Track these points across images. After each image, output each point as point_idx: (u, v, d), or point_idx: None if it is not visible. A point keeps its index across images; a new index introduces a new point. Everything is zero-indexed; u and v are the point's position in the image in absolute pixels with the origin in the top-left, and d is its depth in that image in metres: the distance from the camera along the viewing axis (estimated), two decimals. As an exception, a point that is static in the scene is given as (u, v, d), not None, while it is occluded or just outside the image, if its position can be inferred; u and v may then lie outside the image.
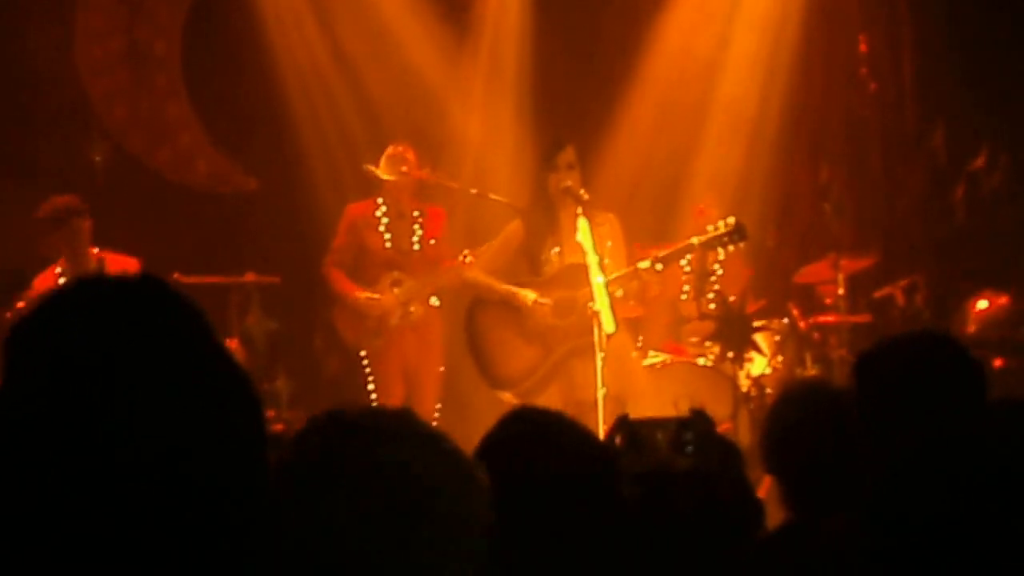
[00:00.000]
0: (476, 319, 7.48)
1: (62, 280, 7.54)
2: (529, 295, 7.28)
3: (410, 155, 7.98)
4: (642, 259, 7.21)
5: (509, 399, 7.14)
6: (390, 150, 8.01)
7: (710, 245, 7.26)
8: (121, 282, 1.32)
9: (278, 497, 1.53)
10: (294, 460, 1.59)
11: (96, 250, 7.69)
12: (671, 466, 3.04)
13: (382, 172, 7.93)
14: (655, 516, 2.77)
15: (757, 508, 3.30)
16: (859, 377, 3.15)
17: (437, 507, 1.52)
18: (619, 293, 7.19)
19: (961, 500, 1.86)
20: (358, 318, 7.94)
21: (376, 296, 7.90)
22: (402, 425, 1.58)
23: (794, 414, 3.36)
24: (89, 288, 1.30)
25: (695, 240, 7.22)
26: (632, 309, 7.92)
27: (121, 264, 7.64)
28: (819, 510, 3.19)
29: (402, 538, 1.49)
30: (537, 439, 2.56)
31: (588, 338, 6.83)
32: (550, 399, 6.97)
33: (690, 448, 3.35)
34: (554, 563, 2.37)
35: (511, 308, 7.37)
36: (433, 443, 1.57)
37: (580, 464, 2.55)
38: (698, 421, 3.53)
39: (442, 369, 8.08)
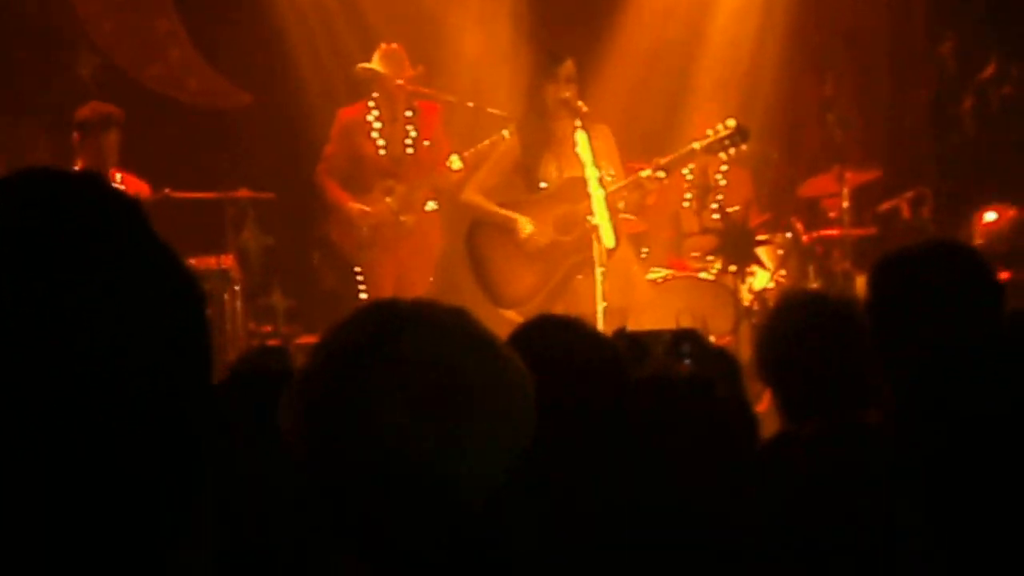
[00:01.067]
0: (477, 241, 7.38)
1: None
2: (525, 227, 7.15)
3: (404, 55, 7.88)
4: (643, 169, 7.10)
5: (513, 317, 7.07)
6: (384, 47, 7.89)
7: (711, 149, 7.14)
8: (53, 174, 1.25)
9: (319, 380, 1.52)
10: (339, 345, 1.56)
11: (114, 170, 7.64)
12: (670, 373, 3.03)
13: (378, 65, 7.80)
14: (654, 423, 2.74)
15: (752, 420, 3.29)
16: (874, 284, 3.12)
17: (481, 401, 1.51)
18: (620, 205, 7.11)
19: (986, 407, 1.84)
20: (352, 229, 7.85)
21: (367, 209, 7.80)
22: (454, 320, 1.57)
23: (790, 324, 3.33)
24: (18, 179, 1.23)
25: (696, 145, 7.10)
26: (634, 224, 7.82)
27: (135, 187, 7.63)
28: (811, 419, 3.16)
29: (442, 427, 1.48)
30: (557, 342, 2.54)
31: (590, 253, 6.76)
32: (555, 316, 6.87)
33: (687, 360, 3.33)
34: (562, 460, 2.35)
35: (511, 228, 7.26)
36: (483, 341, 1.56)
37: (597, 366, 2.54)
38: (694, 334, 3.52)
39: (431, 279, 8.01)
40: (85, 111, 7.72)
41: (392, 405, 1.48)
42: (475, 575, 1.52)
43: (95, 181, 1.24)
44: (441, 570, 1.50)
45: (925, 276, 3.01)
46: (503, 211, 7.29)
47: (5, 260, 1.15)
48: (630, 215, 7.54)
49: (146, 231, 1.22)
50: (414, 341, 1.52)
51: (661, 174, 7.03)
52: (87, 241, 1.18)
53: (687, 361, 3.37)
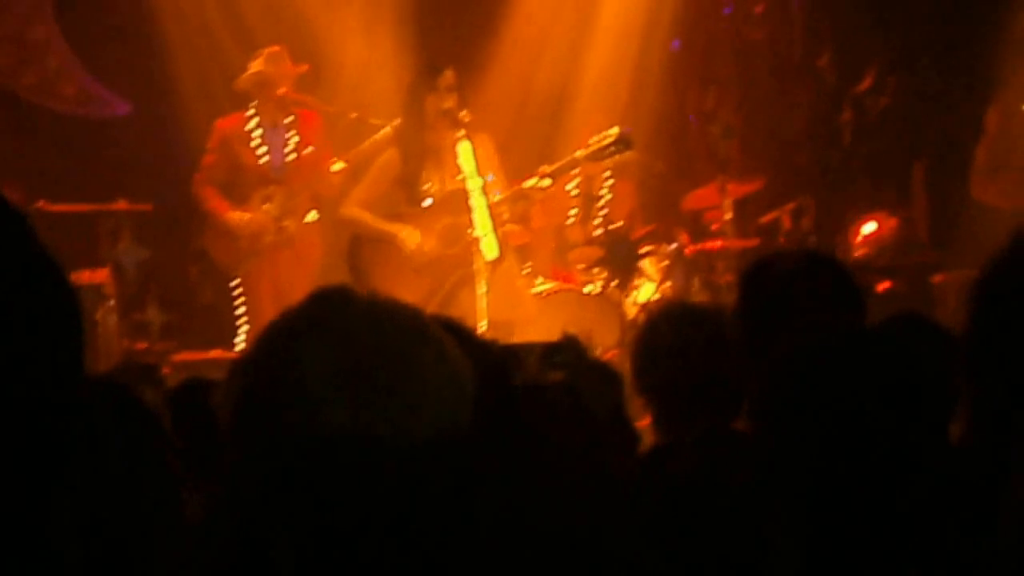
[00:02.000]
0: (358, 256, 7.26)
1: None
2: (410, 237, 7.05)
3: (286, 56, 7.81)
4: (527, 179, 7.05)
5: None
6: (266, 50, 7.81)
7: (596, 157, 7.10)
8: None
9: (250, 356, 1.55)
10: (276, 323, 1.58)
11: None
12: (541, 380, 3.03)
13: (260, 67, 7.71)
14: (526, 430, 2.71)
15: (630, 433, 3.29)
16: (741, 293, 3.16)
17: (405, 380, 1.51)
18: (505, 216, 7.06)
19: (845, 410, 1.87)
20: (230, 239, 7.73)
21: (247, 215, 7.69)
22: (396, 308, 1.58)
23: (662, 337, 3.35)
24: None
25: (580, 153, 7.08)
26: (518, 236, 7.79)
27: None
28: (687, 430, 3.17)
29: (358, 399, 1.49)
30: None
31: (475, 266, 6.72)
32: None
33: (560, 371, 3.32)
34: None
35: (394, 241, 7.17)
36: (418, 329, 1.57)
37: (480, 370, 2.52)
38: (570, 345, 3.51)
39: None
40: None
41: (313, 376, 1.49)
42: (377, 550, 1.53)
43: None
44: (353, 543, 1.51)
45: (789, 285, 3.06)
46: (385, 224, 7.19)
47: None
48: (515, 225, 7.49)
49: (24, 235, 1.22)
50: (346, 319, 1.54)
51: (546, 182, 7.00)
52: None
53: (559, 370, 3.37)
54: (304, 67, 7.98)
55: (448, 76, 7.06)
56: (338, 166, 7.51)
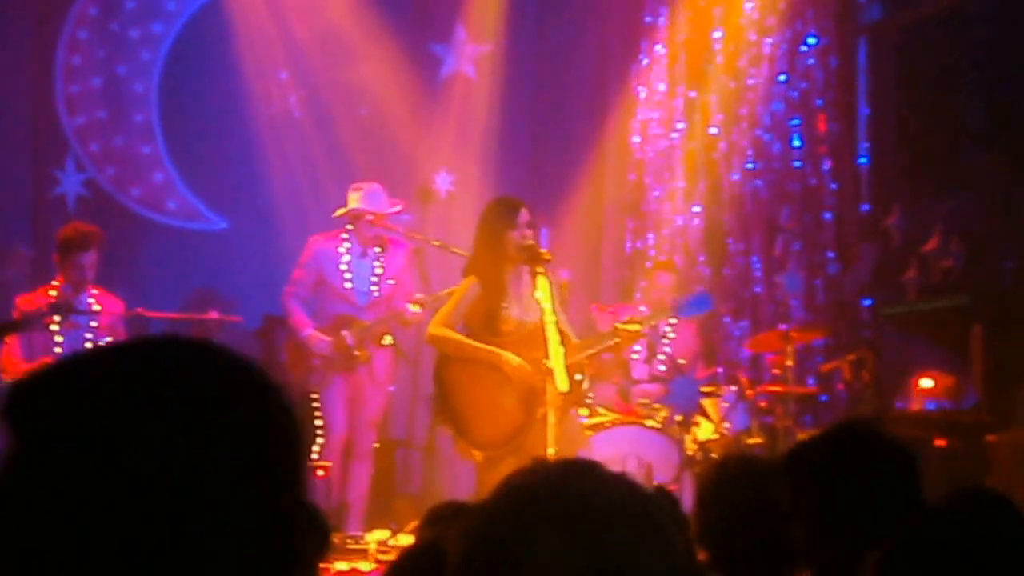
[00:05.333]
0: (448, 373, 7.14)
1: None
2: (513, 358, 7.02)
3: (384, 192, 8.13)
4: (607, 319, 7.30)
5: (477, 457, 7.06)
6: (368, 186, 8.12)
7: (677, 314, 7.51)
8: (149, 347, 1.31)
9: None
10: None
11: (91, 287, 7.81)
12: None
13: (359, 203, 8.02)
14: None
15: (698, 569, 3.36)
16: (789, 473, 3.18)
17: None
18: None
19: None
20: (306, 355, 8.04)
21: (326, 339, 7.99)
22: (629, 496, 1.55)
23: (727, 496, 3.42)
24: (109, 355, 1.30)
25: (668, 307, 7.44)
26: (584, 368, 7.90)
27: (110, 304, 7.82)
28: None
29: None
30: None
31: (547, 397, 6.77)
32: (507, 463, 6.67)
33: None
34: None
35: (489, 365, 7.07)
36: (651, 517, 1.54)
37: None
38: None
39: (383, 410, 8.25)
40: (68, 231, 7.84)
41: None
42: None
43: (207, 349, 1.31)
44: None
45: (836, 465, 3.08)
46: (484, 345, 7.07)
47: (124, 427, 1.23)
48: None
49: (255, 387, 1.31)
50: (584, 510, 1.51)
51: (635, 327, 7.20)
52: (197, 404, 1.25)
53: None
54: (400, 204, 8.29)
55: (524, 212, 7.14)
56: (416, 308, 7.80)
